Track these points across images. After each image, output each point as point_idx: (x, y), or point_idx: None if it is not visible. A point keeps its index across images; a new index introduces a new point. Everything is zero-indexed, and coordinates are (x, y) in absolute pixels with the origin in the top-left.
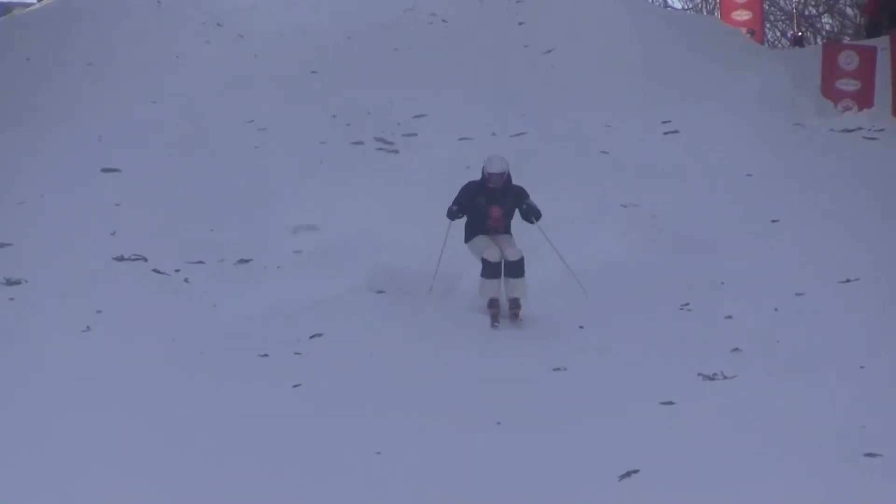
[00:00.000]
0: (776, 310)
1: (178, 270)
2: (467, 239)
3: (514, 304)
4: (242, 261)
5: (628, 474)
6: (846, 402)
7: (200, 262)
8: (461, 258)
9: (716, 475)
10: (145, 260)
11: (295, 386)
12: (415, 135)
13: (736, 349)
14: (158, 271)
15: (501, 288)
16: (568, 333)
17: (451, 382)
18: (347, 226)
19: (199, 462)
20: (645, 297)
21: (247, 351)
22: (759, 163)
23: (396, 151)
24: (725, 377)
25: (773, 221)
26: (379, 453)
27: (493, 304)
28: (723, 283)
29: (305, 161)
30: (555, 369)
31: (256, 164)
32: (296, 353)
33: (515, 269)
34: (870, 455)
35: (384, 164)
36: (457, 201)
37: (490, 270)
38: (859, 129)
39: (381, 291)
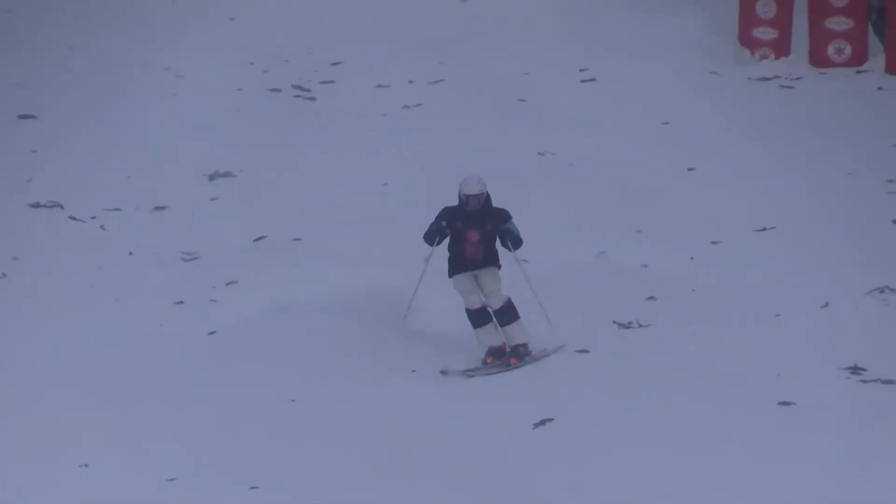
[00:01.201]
0: (692, 258)
1: (94, 217)
2: (450, 273)
3: (521, 351)
4: (158, 207)
5: (543, 422)
6: (761, 351)
7: (117, 209)
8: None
9: (630, 422)
10: (61, 207)
11: (210, 333)
12: (332, 82)
13: (651, 297)
14: (75, 218)
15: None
16: None
17: (370, 334)
18: (264, 173)
19: (114, 407)
20: (560, 244)
21: (162, 297)
22: (675, 111)
23: (314, 99)
24: (641, 325)
25: (690, 170)
26: (294, 401)
27: (494, 352)
28: (639, 231)
29: (222, 108)
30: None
31: (173, 112)
32: (211, 301)
33: (505, 315)
34: (784, 403)
35: (302, 111)
36: (436, 223)
37: (476, 319)
38: (776, 77)
39: (297, 238)
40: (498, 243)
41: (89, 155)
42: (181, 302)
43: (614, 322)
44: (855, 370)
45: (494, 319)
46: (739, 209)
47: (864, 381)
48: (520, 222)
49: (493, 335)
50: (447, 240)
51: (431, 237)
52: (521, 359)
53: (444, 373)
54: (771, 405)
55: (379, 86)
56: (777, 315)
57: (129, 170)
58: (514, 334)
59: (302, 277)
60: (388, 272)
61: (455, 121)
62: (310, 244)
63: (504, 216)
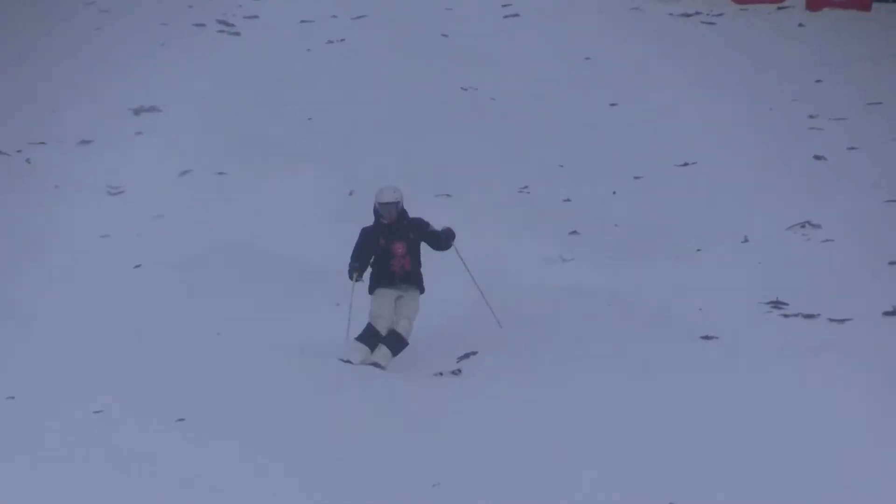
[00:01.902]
0: (614, 193)
1: (19, 151)
2: (371, 289)
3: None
4: (84, 142)
5: (466, 356)
6: (683, 285)
7: (42, 143)
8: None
9: (551, 357)
10: None
11: (136, 266)
12: (256, 17)
13: (574, 232)
14: (1, 152)
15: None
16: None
17: (290, 262)
18: (188, 108)
19: (38, 339)
20: (484, 180)
21: (88, 232)
22: (597, 47)
23: (238, 34)
24: (564, 259)
25: (612, 105)
26: (219, 334)
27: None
28: (561, 166)
29: (147, 43)
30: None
31: (98, 46)
32: (137, 235)
33: (394, 344)
34: (706, 338)
35: (226, 46)
36: (354, 255)
37: (367, 336)
38: (698, 13)
39: (221, 173)
40: (428, 250)
41: (14, 89)
42: (107, 235)
43: (539, 257)
44: (776, 305)
45: (380, 342)
46: (662, 144)
47: (786, 316)
48: (442, 157)
49: (364, 355)
50: (372, 259)
51: (352, 273)
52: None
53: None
54: (694, 340)
55: (303, 21)
56: (698, 250)
57: (54, 104)
58: (382, 356)
59: (226, 212)
60: (314, 207)
61: (378, 56)
62: (234, 179)
63: (423, 223)
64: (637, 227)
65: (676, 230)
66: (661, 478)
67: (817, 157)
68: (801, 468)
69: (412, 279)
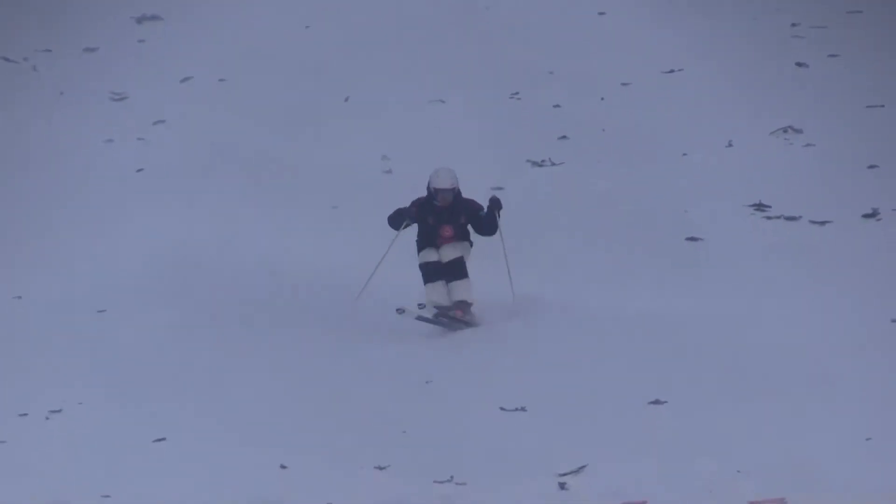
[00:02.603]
0: (602, 99)
1: (26, 59)
2: (419, 247)
3: (460, 307)
4: (88, 49)
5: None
6: (668, 187)
7: (48, 51)
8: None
9: (540, 256)
10: None
11: (138, 170)
12: None
13: (563, 137)
14: (7, 59)
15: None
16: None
17: (293, 167)
18: (192, 16)
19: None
20: (476, 85)
21: (92, 136)
22: None
23: None
24: (553, 164)
25: (600, 14)
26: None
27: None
28: (551, 72)
29: None
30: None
31: None
32: (139, 139)
33: (453, 270)
34: (691, 239)
35: None
36: (409, 210)
37: (427, 272)
38: None
39: (222, 80)
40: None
41: None
42: (110, 140)
43: (528, 161)
44: (759, 207)
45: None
46: (649, 52)
47: (769, 218)
48: (436, 64)
49: (439, 293)
50: (415, 229)
51: (398, 220)
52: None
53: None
54: (679, 240)
55: None
56: (684, 154)
57: (59, 12)
58: (457, 289)
59: (226, 117)
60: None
61: None
62: (234, 85)
63: (477, 206)
64: (624, 132)
65: (662, 135)
66: (646, 375)
67: (799, 65)
68: (786, 364)
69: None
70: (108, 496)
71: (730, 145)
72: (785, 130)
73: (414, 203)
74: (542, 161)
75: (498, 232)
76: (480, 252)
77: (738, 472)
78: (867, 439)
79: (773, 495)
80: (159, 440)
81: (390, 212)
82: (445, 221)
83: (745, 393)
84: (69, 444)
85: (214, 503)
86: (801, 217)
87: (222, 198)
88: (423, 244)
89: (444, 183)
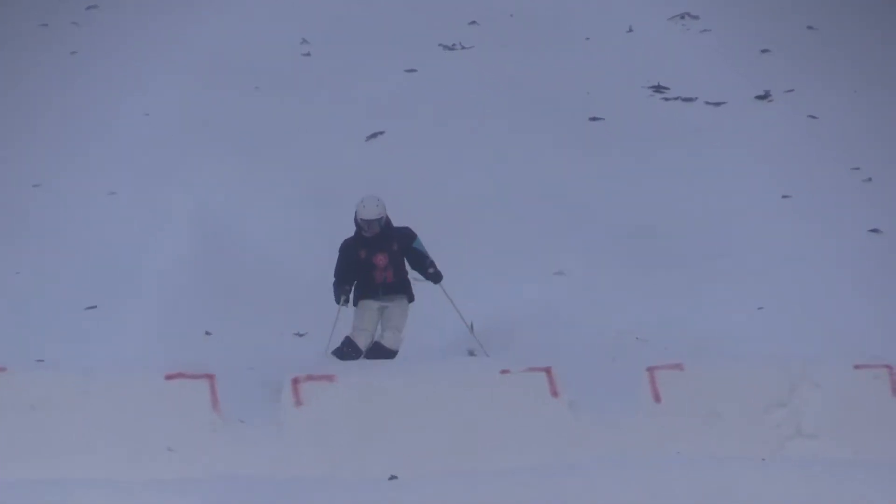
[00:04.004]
0: None
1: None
2: (355, 301)
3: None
4: (91, 6)
5: (374, 135)
6: (573, 72)
7: None
8: None
9: (451, 137)
10: None
11: (72, 53)
12: None
13: (473, 22)
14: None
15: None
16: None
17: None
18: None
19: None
20: None
21: (26, 20)
22: None
23: None
24: (464, 47)
25: None
26: (147, 114)
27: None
28: None
29: None
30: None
31: None
32: (73, 23)
33: (377, 358)
34: (594, 119)
35: None
36: (337, 273)
37: (345, 352)
38: None
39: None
40: (409, 270)
41: None
42: (45, 24)
43: (440, 45)
44: (658, 88)
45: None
46: None
47: (667, 99)
48: None
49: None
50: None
51: (336, 294)
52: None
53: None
54: (582, 120)
55: None
56: (587, 38)
57: None
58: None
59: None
60: None
61: None
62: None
63: (409, 234)
64: (530, 16)
65: (566, 21)
66: (555, 245)
67: None
68: (682, 238)
69: (397, 289)
70: (41, 360)
71: (630, 31)
72: (682, 17)
73: (340, 254)
74: (453, 45)
75: (448, 298)
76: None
77: (637, 339)
78: (759, 308)
79: (671, 361)
80: (91, 308)
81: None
82: (378, 250)
83: (644, 265)
84: (3, 312)
85: (142, 364)
86: (696, 98)
87: None
88: (361, 287)
89: (370, 214)
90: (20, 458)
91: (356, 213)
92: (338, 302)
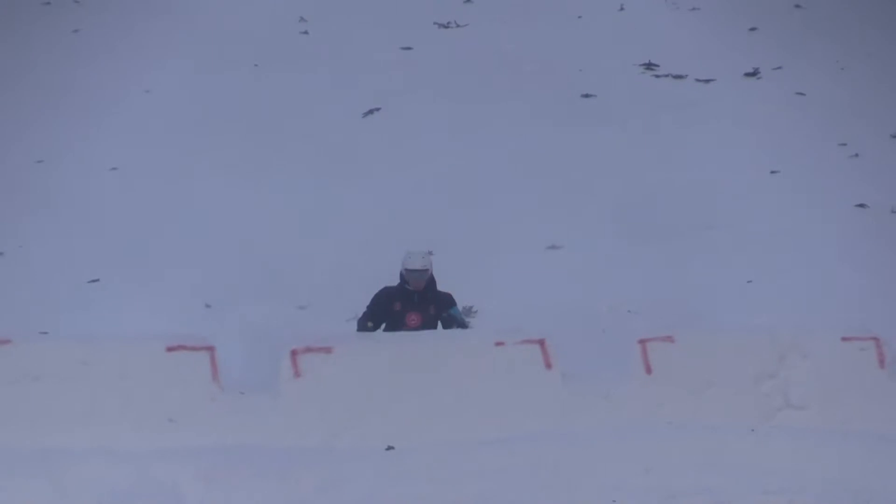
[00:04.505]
0: None
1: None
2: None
3: None
4: None
5: (371, 112)
6: (566, 49)
7: None
8: None
9: (449, 112)
10: None
11: (74, 31)
12: None
13: (468, 0)
14: None
15: None
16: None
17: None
18: None
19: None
20: None
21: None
22: None
23: None
24: (459, 25)
25: None
26: (148, 91)
27: None
28: None
29: None
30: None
31: None
32: (75, 1)
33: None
34: (586, 96)
35: None
36: (369, 309)
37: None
38: None
39: None
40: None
41: None
42: (48, 3)
43: (435, 23)
44: (649, 66)
45: None
46: None
47: (657, 76)
48: None
49: None
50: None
51: (362, 327)
52: None
53: None
54: (575, 97)
55: None
56: (579, 17)
57: None
58: None
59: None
60: None
61: None
62: None
63: (449, 300)
64: None
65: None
66: (548, 218)
67: None
68: (673, 211)
69: None
70: (45, 332)
71: (622, 9)
72: None
73: (375, 298)
74: (448, 23)
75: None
76: None
77: (629, 311)
78: (748, 282)
79: (662, 333)
80: (93, 281)
81: None
82: (414, 309)
83: (636, 238)
84: (8, 285)
85: (143, 337)
86: (687, 76)
87: None
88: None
89: (416, 264)
90: (23, 428)
91: (402, 264)
92: (359, 329)
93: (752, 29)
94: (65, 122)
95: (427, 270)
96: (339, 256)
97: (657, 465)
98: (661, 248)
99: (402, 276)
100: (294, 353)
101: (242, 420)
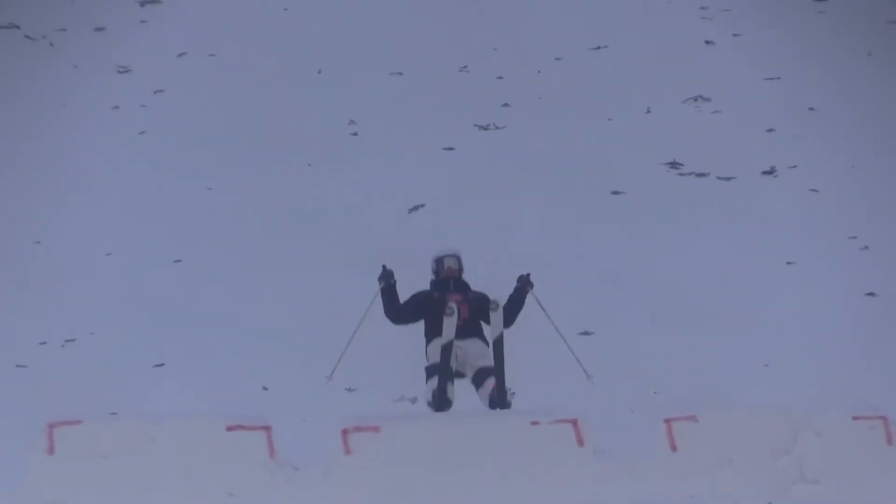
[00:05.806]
0: (539, 72)
1: (44, 37)
2: (427, 344)
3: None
4: (98, 29)
5: (416, 208)
6: (596, 148)
7: (63, 30)
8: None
9: (489, 208)
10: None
11: (140, 133)
12: None
13: (506, 104)
14: (28, 37)
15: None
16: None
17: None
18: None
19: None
20: (424, 59)
21: (99, 104)
22: None
23: None
24: (497, 127)
25: None
26: (209, 189)
27: None
28: (495, 49)
29: None
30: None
31: None
32: (142, 106)
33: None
34: (615, 193)
35: None
36: (406, 304)
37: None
38: None
39: (212, 55)
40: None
41: None
42: (117, 107)
43: (475, 125)
44: (673, 165)
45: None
46: (579, 27)
47: (681, 175)
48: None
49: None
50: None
51: (398, 315)
52: None
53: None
54: (605, 193)
55: None
56: (609, 119)
57: None
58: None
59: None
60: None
61: None
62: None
63: (484, 297)
64: (557, 100)
65: (590, 103)
66: (582, 306)
67: (708, 42)
68: (696, 298)
69: (472, 329)
70: (114, 413)
71: (648, 112)
72: (695, 99)
73: (412, 298)
74: (487, 125)
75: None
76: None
77: (655, 392)
78: (765, 365)
79: (686, 413)
80: (158, 365)
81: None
82: (452, 291)
83: (661, 324)
84: (81, 369)
85: (205, 417)
86: (709, 174)
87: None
88: (431, 329)
89: (446, 251)
90: (92, 503)
91: (432, 263)
92: (386, 281)
93: (770, 130)
94: (132, 221)
95: (458, 257)
96: (384, 342)
97: None
98: (685, 334)
99: (434, 272)
100: (344, 432)
101: (297, 494)
